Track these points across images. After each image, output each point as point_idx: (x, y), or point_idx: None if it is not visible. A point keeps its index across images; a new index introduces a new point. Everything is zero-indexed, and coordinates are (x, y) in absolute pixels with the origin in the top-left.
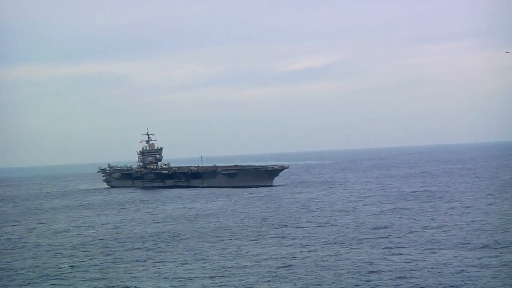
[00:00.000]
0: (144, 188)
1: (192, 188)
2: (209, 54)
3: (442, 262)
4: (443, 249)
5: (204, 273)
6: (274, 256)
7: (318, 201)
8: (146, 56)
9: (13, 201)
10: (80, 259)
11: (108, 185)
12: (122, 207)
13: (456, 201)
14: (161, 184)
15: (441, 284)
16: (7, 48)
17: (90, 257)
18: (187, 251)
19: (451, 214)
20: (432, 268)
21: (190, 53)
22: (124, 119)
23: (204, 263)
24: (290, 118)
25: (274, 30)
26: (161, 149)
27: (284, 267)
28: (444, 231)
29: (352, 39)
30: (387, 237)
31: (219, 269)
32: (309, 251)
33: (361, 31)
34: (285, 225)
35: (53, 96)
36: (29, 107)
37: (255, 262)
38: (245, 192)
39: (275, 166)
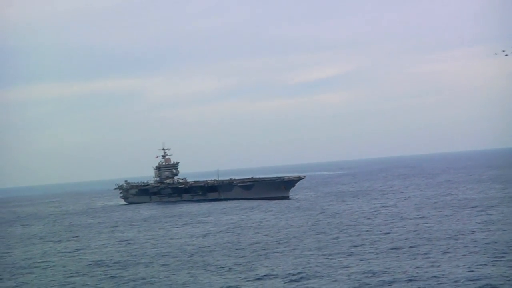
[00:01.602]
0: (161, 203)
1: (208, 202)
2: (222, 67)
3: (451, 272)
4: (454, 259)
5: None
6: (286, 270)
7: (332, 212)
8: (159, 71)
9: (29, 220)
10: (96, 277)
11: (126, 202)
12: (137, 223)
13: (477, 208)
14: (178, 199)
15: None
16: (22, 68)
17: (106, 274)
18: (199, 267)
19: (467, 223)
20: (441, 277)
21: (203, 66)
22: (139, 135)
23: (214, 276)
24: (304, 129)
25: (287, 41)
26: (177, 163)
27: (296, 280)
28: (457, 240)
29: (365, 48)
30: (410, 248)
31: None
32: (321, 263)
33: (374, 39)
34: (298, 236)
35: (68, 114)
36: (44, 126)
37: (269, 275)
38: (261, 204)
39: (291, 177)
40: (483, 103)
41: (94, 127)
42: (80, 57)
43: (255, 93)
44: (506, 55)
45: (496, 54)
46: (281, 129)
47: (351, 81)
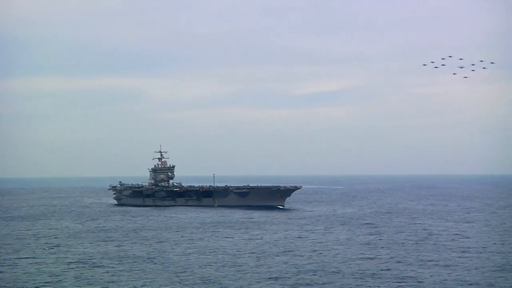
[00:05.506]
0: (154, 206)
1: (202, 208)
2: (226, 73)
3: None
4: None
5: None
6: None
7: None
8: (162, 72)
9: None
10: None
11: (118, 203)
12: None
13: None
14: (172, 203)
15: None
16: (27, 59)
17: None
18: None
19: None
20: None
21: (206, 71)
22: (137, 135)
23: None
24: (302, 141)
25: (290, 52)
26: (174, 167)
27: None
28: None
29: (367, 65)
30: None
31: None
32: None
33: (376, 57)
34: (290, 250)
35: (67, 109)
36: (42, 119)
37: None
38: (256, 215)
39: (287, 186)
40: (484, 129)
41: (92, 123)
42: (84, 53)
43: (257, 101)
44: (436, 67)
45: (425, 65)
46: (281, 139)
47: (353, 96)
